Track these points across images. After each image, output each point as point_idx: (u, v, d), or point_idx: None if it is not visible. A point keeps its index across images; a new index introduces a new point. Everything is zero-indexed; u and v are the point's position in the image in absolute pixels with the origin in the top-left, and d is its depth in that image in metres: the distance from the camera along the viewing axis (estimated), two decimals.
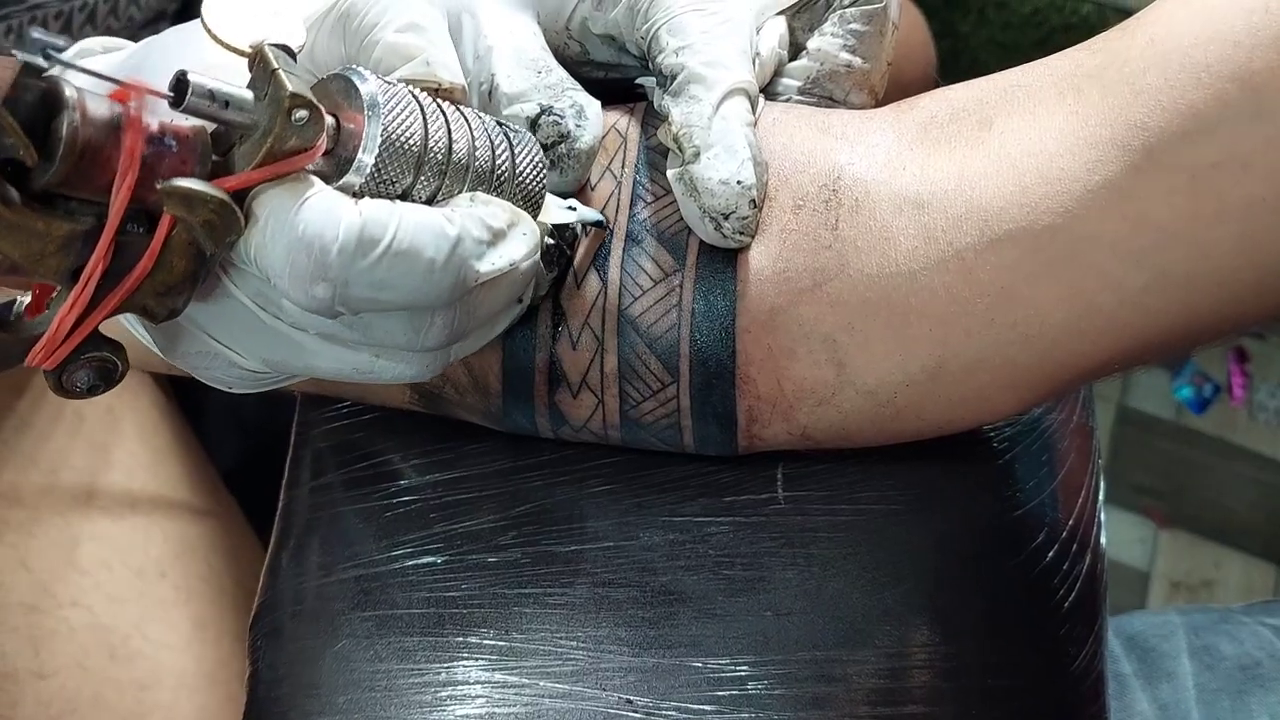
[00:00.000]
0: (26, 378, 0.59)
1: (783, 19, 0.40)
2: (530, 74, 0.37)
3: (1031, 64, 0.38)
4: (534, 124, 0.37)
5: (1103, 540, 0.43)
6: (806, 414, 0.38)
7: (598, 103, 0.38)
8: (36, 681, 0.53)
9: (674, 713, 0.37)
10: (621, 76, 0.42)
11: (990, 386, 0.36)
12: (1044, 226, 0.34)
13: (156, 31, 0.64)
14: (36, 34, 0.25)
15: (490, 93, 0.37)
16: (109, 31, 0.57)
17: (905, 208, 0.36)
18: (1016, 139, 0.35)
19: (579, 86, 0.38)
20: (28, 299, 0.31)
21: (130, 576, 0.56)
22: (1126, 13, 0.37)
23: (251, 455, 0.69)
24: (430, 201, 0.32)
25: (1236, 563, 1.32)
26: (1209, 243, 0.33)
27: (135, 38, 0.58)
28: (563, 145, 0.37)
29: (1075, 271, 0.34)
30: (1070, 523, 0.42)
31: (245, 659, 0.42)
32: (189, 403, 0.65)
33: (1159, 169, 0.33)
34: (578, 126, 0.37)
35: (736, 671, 0.37)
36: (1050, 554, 0.41)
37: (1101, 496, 0.44)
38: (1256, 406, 1.40)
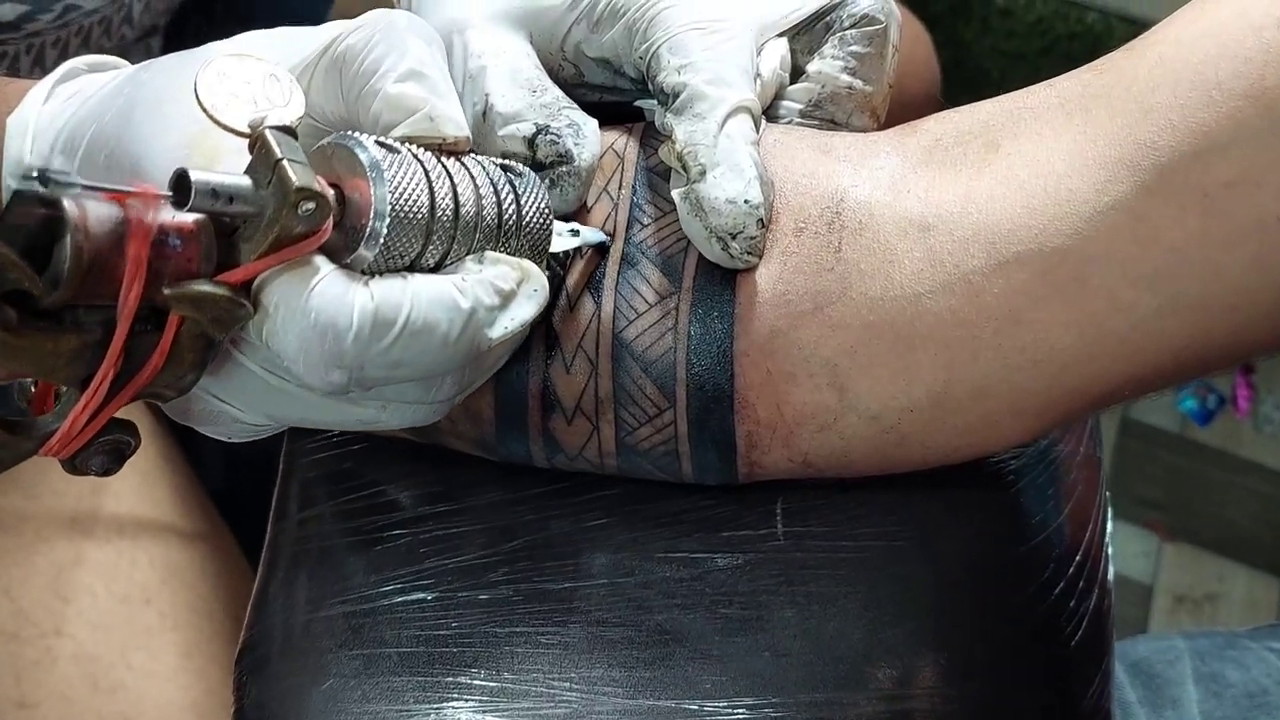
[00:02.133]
0: None
1: (783, 41, 0.39)
2: (525, 93, 0.37)
3: (1037, 85, 0.37)
4: (531, 143, 0.36)
5: (1110, 574, 0.43)
6: (807, 440, 0.37)
7: (594, 121, 0.38)
8: (18, 711, 0.52)
9: None
10: (618, 99, 0.41)
11: (997, 413, 0.36)
12: (1053, 249, 0.34)
13: (149, 46, 0.64)
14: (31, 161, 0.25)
15: (485, 113, 0.36)
16: (101, 50, 0.56)
17: (910, 230, 0.35)
18: (1024, 161, 0.35)
19: (575, 105, 0.38)
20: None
21: (115, 603, 0.55)
22: (1132, 21, 0.36)
23: (242, 476, 0.68)
24: (439, 265, 0.32)
25: (1241, 576, 1.31)
26: (1223, 264, 0.32)
27: (127, 53, 0.57)
28: (563, 165, 0.36)
29: (1085, 295, 0.34)
30: (1078, 557, 0.41)
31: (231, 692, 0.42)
32: (178, 423, 0.64)
33: (1171, 189, 0.32)
34: (576, 145, 0.36)
35: (734, 715, 0.36)
36: (1057, 590, 0.40)
37: (1109, 529, 0.44)
38: (1261, 419, 1.39)
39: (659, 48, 0.36)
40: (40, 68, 0.55)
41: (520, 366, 0.37)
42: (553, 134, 0.36)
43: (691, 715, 0.37)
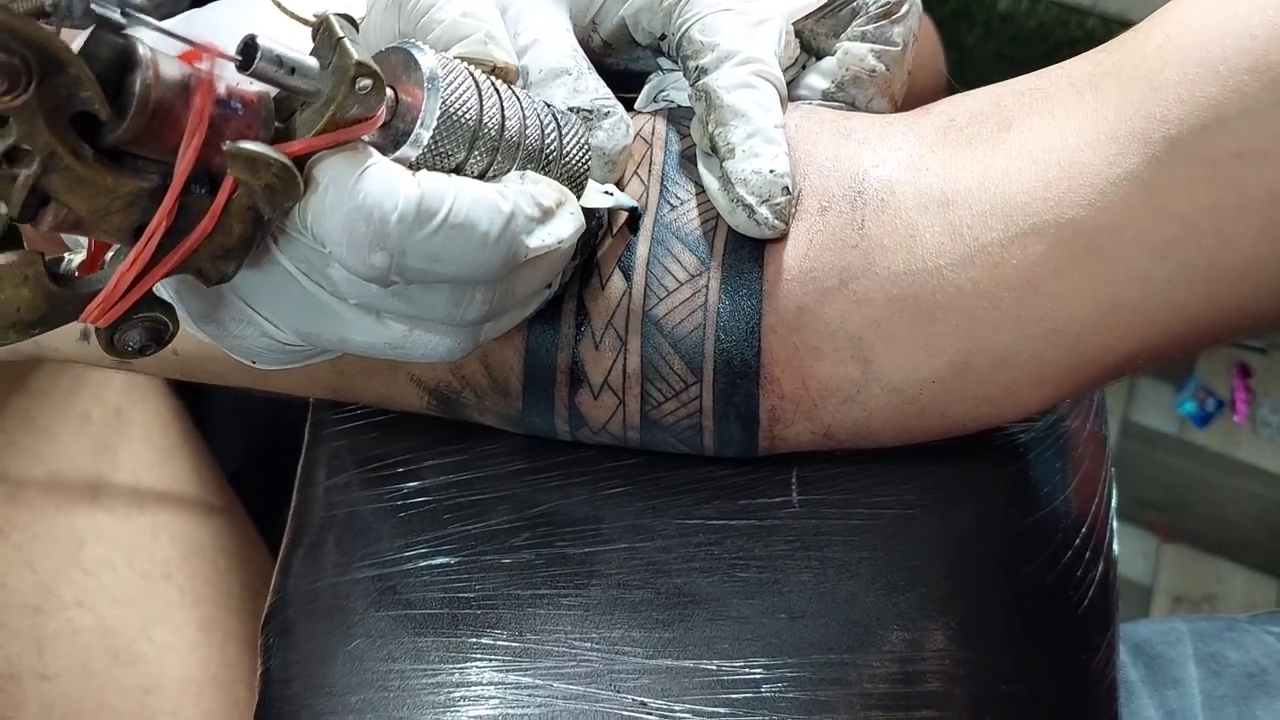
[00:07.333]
0: (32, 377, 0.58)
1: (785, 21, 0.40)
2: (562, 75, 0.37)
3: (1047, 68, 0.38)
4: None
5: (1115, 547, 0.43)
6: (831, 412, 0.38)
7: (623, 108, 0.39)
8: (40, 683, 0.52)
9: (688, 715, 0.37)
10: (643, 68, 0.42)
11: (1017, 382, 0.36)
12: (1068, 220, 0.34)
13: None
14: None
15: (524, 89, 0.37)
16: None
17: (930, 206, 0.36)
18: (1037, 137, 0.36)
19: (609, 93, 0.38)
20: (77, 258, 0.31)
21: (135, 578, 0.55)
22: (1132, 26, 0.37)
23: (257, 458, 0.69)
24: (482, 177, 0.33)
25: (1239, 577, 1.32)
26: (1231, 233, 0.33)
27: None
28: (589, 138, 0.37)
29: (1100, 264, 0.34)
30: (1084, 529, 0.42)
31: (251, 663, 0.42)
32: (194, 404, 0.65)
33: (1180, 161, 0.33)
34: (604, 127, 0.37)
35: (750, 674, 0.37)
36: (1065, 560, 0.41)
37: (1114, 503, 0.44)
38: (1259, 422, 1.40)
39: (690, 27, 0.38)
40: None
41: (550, 342, 0.38)
42: (584, 111, 0.37)
43: (709, 674, 0.37)
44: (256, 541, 0.62)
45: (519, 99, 0.34)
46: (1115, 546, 0.43)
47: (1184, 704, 0.55)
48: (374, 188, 0.29)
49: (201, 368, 0.42)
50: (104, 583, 0.55)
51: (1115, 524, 0.44)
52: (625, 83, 0.42)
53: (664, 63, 0.42)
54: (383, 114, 0.29)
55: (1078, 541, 0.41)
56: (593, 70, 0.38)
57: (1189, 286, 0.34)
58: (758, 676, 0.37)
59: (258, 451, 0.70)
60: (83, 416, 0.59)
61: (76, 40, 0.27)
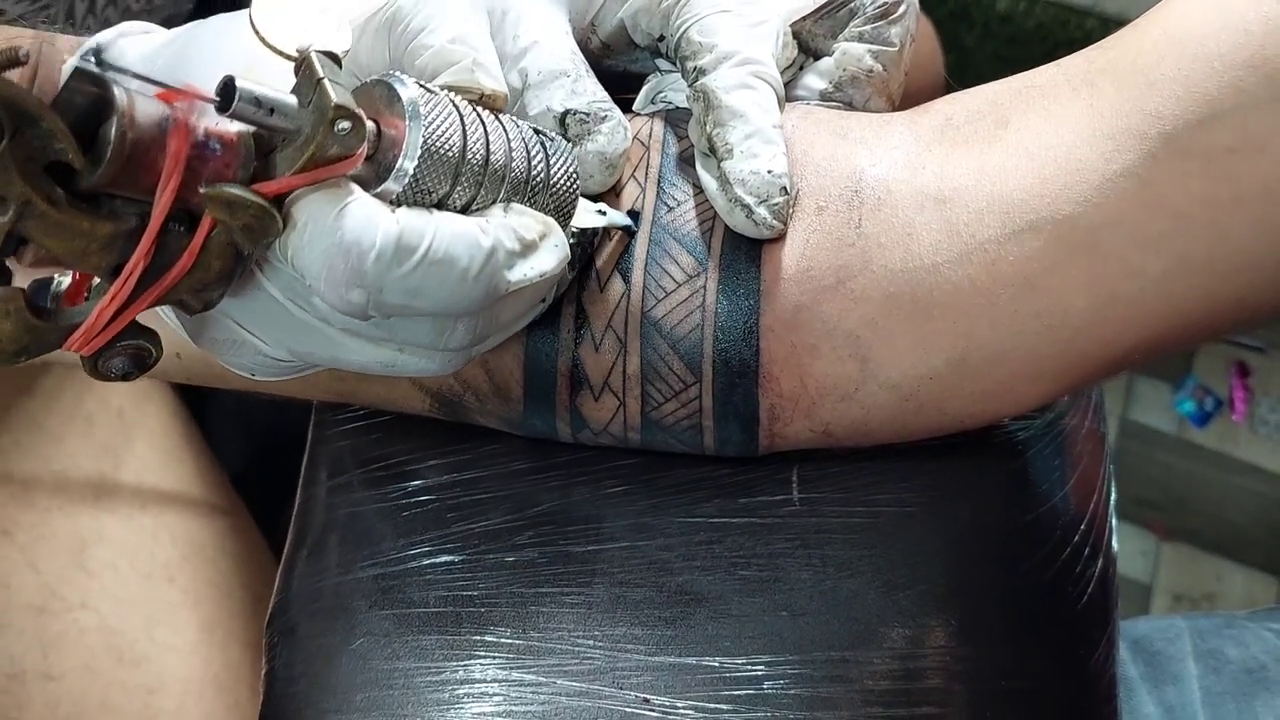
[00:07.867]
0: (37, 380, 0.59)
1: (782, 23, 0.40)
2: (560, 77, 0.38)
3: (1043, 66, 0.38)
4: (562, 121, 0.37)
5: (1114, 544, 0.44)
6: (829, 410, 0.38)
7: (620, 112, 0.39)
8: (45, 683, 0.53)
9: (690, 712, 0.37)
10: (641, 70, 0.42)
11: (1014, 378, 0.37)
12: (1065, 216, 0.35)
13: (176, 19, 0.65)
14: (90, 39, 0.26)
15: (522, 91, 0.38)
16: (131, 12, 0.57)
17: (927, 204, 0.36)
18: (1034, 134, 0.36)
19: (607, 97, 0.39)
20: (68, 278, 0.31)
21: (138, 579, 0.56)
22: None
23: (259, 459, 0.69)
24: (466, 209, 0.33)
25: (1238, 575, 1.32)
26: (1227, 227, 0.33)
27: (154, 16, 0.57)
28: (589, 141, 0.37)
29: (1096, 259, 0.35)
30: (1083, 526, 0.42)
31: (252, 664, 0.43)
32: (197, 406, 0.66)
33: (1176, 155, 0.33)
34: (603, 130, 0.37)
35: (752, 671, 0.38)
36: (1064, 556, 0.41)
37: (1113, 499, 0.45)
38: (1258, 420, 1.40)
39: (688, 28, 0.38)
40: (72, 27, 0.55)
41: (549, 345, 0.38)
42: (581, 114, 0.37)
43: (712, 672, 0.38)
44: (259, 543, 0.62)
45: (505, 128, 0.34)
46: (1114, 543, 0.43)
47: (1183, 700, 0.55)
48: (353, 225, 0.29)
49: (204, 371, 0.42)
50: (107, 584, 0.55)
51: (1114, 520, 0.44)
52: (624, 84, 0.42)
53: (662, 64, 0.42)
54: (363, 152, 0.29)
55: (1076, 538, 0.41)
56: (591, 73, 0.38)
57: (1185, 280, 0.34)
58: (760, 673, 0.37)
59: (260, 453, 0.70)
60: (87, 419, 0.59)
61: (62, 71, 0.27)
